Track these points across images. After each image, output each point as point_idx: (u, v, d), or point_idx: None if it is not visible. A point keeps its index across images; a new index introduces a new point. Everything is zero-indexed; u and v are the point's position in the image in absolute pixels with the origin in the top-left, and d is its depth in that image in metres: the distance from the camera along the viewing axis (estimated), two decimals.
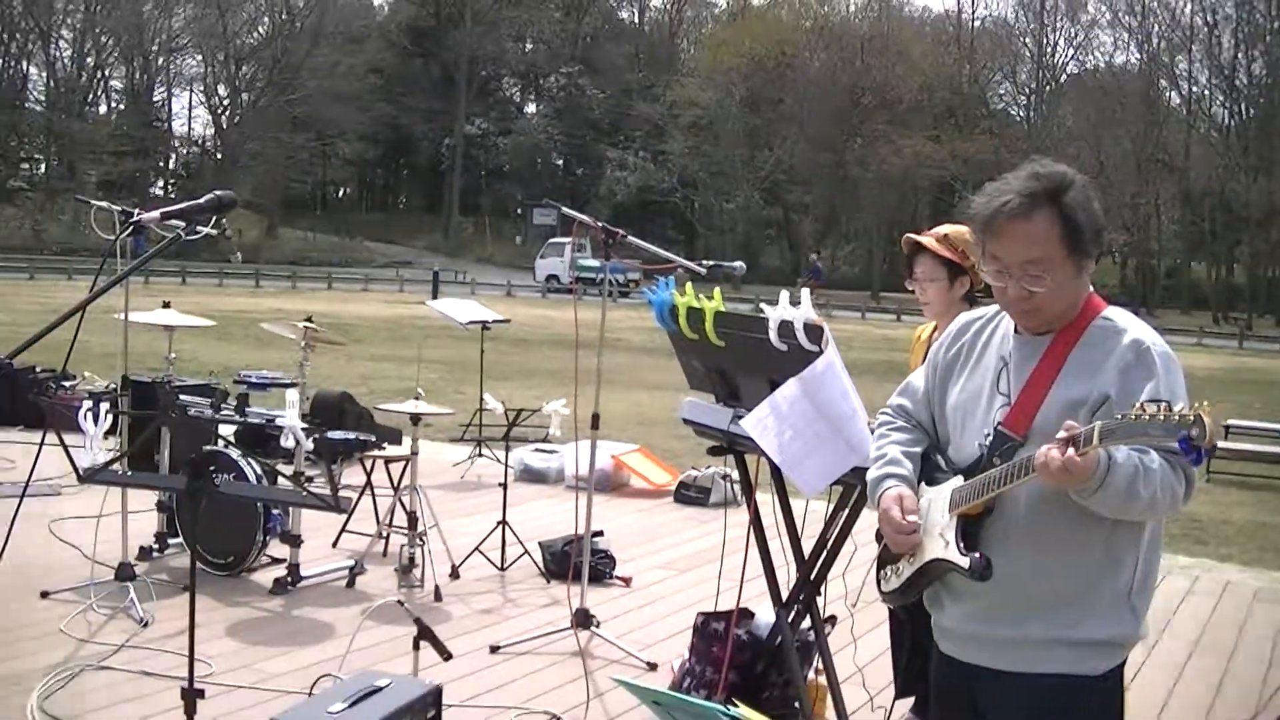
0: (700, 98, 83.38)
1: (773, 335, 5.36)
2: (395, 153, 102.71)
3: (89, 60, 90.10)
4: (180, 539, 9.63)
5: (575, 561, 8.40)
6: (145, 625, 7.85)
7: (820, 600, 6.08)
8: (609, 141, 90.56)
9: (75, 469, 5.68)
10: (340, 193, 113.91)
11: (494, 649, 7.74)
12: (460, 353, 25.96)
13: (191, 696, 4.95)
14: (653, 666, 7.47)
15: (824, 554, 6.01)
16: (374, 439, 11.06)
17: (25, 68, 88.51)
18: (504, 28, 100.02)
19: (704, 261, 7.90)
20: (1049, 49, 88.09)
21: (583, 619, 7.93)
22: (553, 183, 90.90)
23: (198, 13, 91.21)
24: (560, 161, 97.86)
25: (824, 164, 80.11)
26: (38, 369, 15.60)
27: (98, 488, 7.87)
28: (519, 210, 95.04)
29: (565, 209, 8.32)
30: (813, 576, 6.04)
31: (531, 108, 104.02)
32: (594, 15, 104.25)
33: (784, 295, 5.38)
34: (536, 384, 21.82)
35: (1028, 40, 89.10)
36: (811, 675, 6.33)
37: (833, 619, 6.49)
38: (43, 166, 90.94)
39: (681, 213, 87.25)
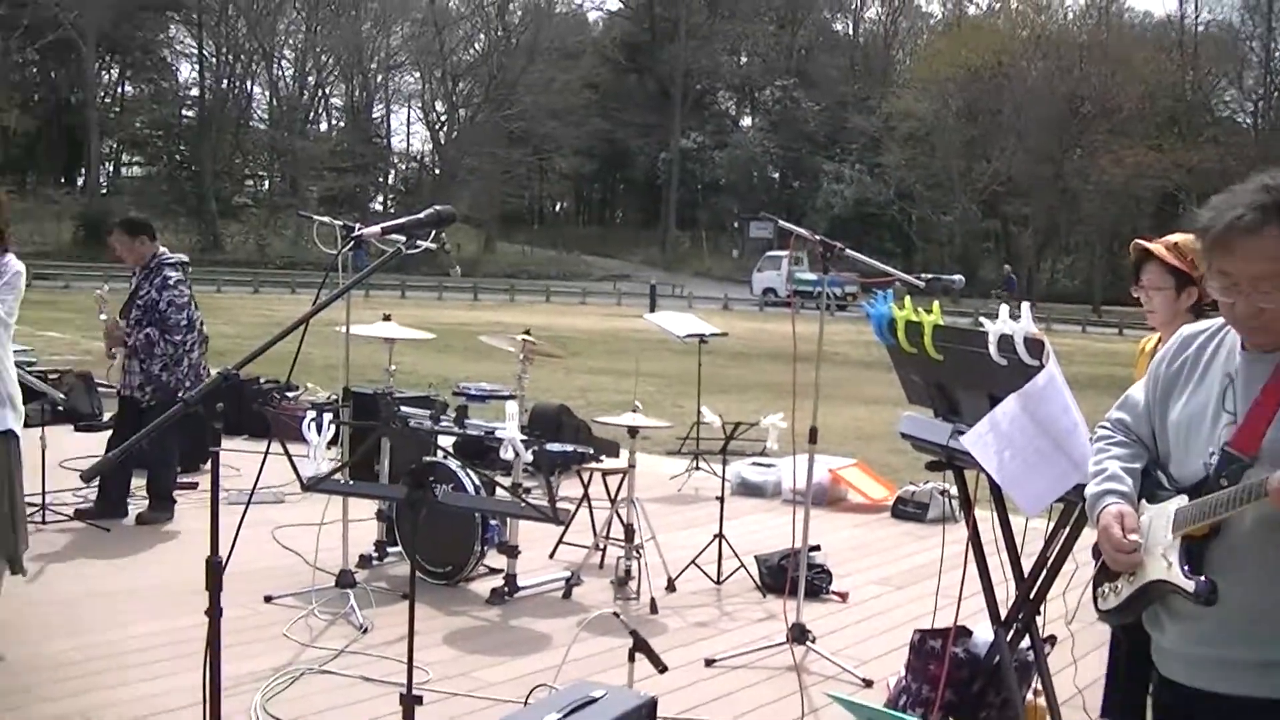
0: (916, 109, 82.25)
1: (992, 349, 5.31)
2: (611, 167, 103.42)
3: (310, 79, 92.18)
4: (399, 548, 9.79)
5: (791, 576, 8.36)
6: (365, 631, 8.01)
7: (1040, 619, 6.00)
8: (825, 154, 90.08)
9: (299, 477, 5.82)
10: (557, 207, 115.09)
11: (709, 662, 7.73)
12: (677, 366, 26.04)
13: (410, 703, 5.03)
14: (868, 683, 7.42)
15: (1044, 572, 5.91)
16: (591, 451, 11.15)
17: (250, 87, 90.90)
18: (718, 41, 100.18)
19: (922, 274, 7.81)
20: (1277, 52, 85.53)
21: (798, 634, 7.91)
22: (769, 196, 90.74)
23: (415, 31, 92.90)
24: (776, 174, 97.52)
25: (1043, 175, 78.41)
26: (262, 380, 15.98)
27: (320, 496, 8.06)
28: (735, 224, 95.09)
29: (782, 222, 8.28)
30: (1032, 595, 5.95)
31: (747, 121, 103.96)
32: (808, 27, 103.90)
33: (1003, 309, 5.32)
34: (754, 397, 21.81)
35: (1254, 44, 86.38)
36: (1030, 696, 6.22)
37: (1052, 639, 6.41)
38: (266, 183, 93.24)
39: (899, 225, 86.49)
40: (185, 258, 11.43)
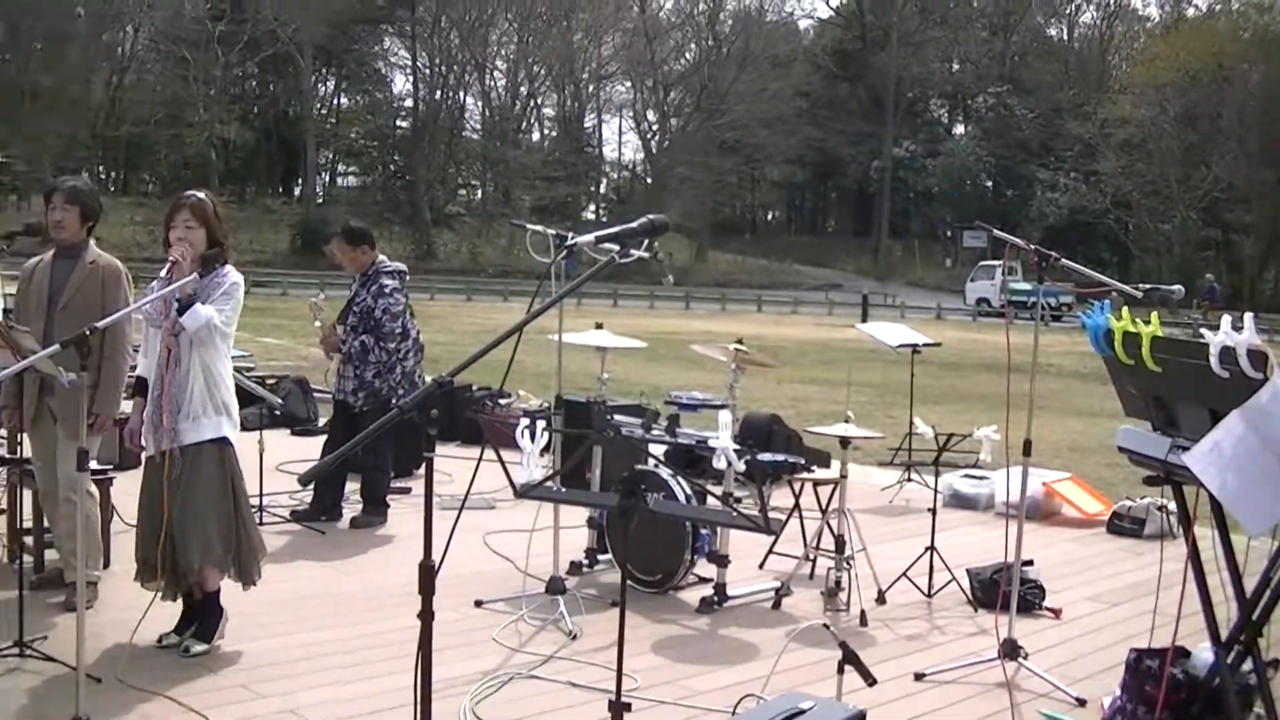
0: (1133, 115, 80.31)
1: (1214, 361, 5.19)
2: (823, 176, 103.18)
3: (522, 89, 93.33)
4: (610, 555, 9.87)
5: (1004, 590, 8.24)
6: (574, 638, 8.05)
7: (1263, 642, 5.84)
8: (1039, 162, 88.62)
9: (512, 484, 5.90)
10: (769, 216, 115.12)
11: (918, 676, 7.64)
12: (890, 376, 25.91)
13: (618, 710, 5.03)
14: (1081, 702, 7.26)
15: (1267, 593, 5.76)
16: (803, 461, 11.13)
17: (463, 98, 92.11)
18: (930, 49, 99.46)
19: (1139, 285, 7.68)
20: None
21: (1010, 649, 7.77)
22: (982, 204, 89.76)
23: (626, 41, 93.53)
24: (989, 183, 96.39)
25: (1266, 181, 76.27)
26: (475, 388, 16.22)
27: (531, 503, 8.11)
28: (948, 233, 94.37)
29: (996, 231, 8.17)
30: (1255, 616, 5.80)
31: (959, 129, 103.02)
32: (1021, 33, 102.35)
33: (1225, 319, 5.21)
34: (967, 409, 21.59)
35: None
36: None
37: (1275, 662, 6.24)
38: (479, 192, 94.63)
39: (1115, 234, 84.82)
40: (403, 266, 11.62)
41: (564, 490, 8.39)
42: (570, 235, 7.53)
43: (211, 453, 7.35)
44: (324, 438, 12.14)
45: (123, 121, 77.17)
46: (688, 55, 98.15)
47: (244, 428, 7.65)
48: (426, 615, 4.03)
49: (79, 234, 8.09)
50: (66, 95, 71.96)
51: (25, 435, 8.17)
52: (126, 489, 9.01)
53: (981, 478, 13.49)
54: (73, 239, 8.09)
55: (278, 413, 14.80)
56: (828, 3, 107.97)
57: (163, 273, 7.09)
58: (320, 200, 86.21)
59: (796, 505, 10.67)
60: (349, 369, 11.26)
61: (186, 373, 7.25)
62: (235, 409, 7.52)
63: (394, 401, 10.93)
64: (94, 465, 8.22)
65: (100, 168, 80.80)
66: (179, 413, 7.23)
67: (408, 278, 11.59)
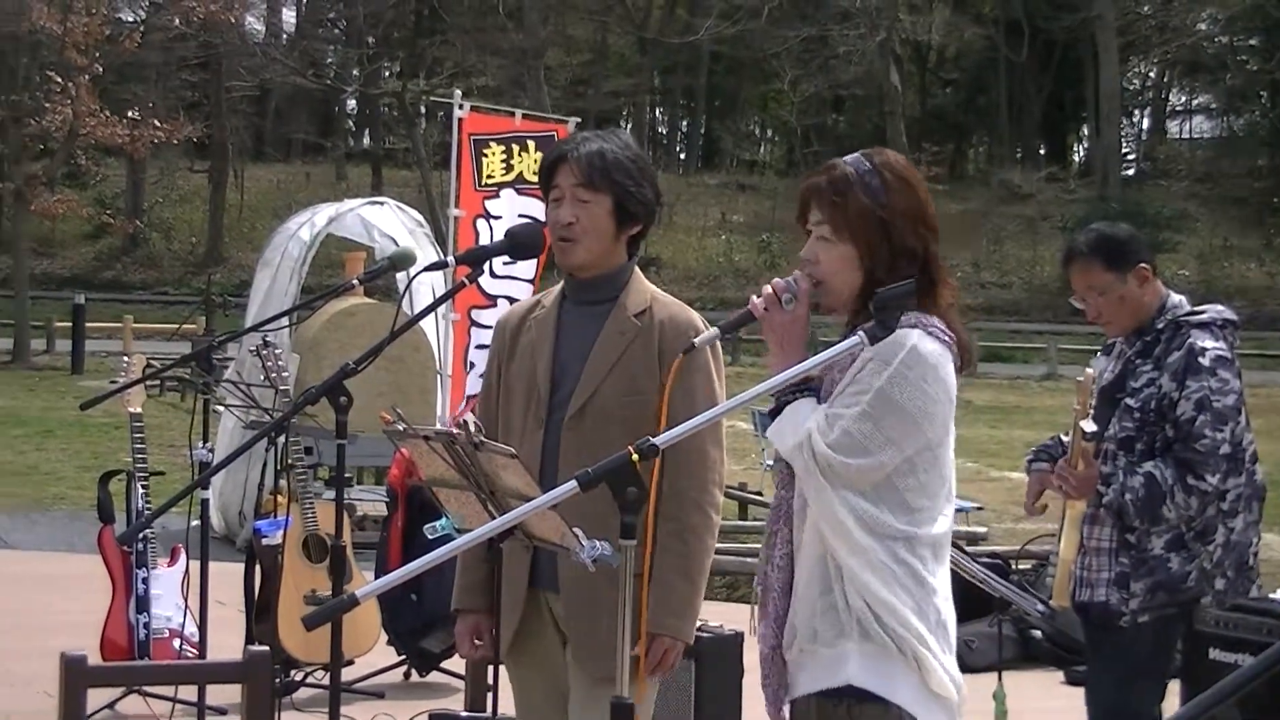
0: None
1: None
2: None
3: None
4: None
5: None
6: None
7: None
8: None
9: None
10: None
11: None
12: None
13: None
14: None
15: None
16: None
17: None
18: None
19: None
20: None
21: None
22: None
23: None
24: None
25: None
26: None
27: None
28: None
29: None
30: None
31: None
32: None
33: None
34: None
35: None
36: None
37: None
38: None
39: None
40: (1230, 313, 8.62)
41: None
42: None
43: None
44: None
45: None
46: None
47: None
48: None
49: (611, 253, 6.51)
50: None
51: (503, 667, 6.93)
52: None
53: None
54: (595, 264, 6.53)
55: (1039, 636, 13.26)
56: None
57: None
58: (1130, 170, 77.62)
59: None
60: (1106, 531, 8.33)
61: (797, 548, 5.64)
62: (938, 633, 5.46)
63: (1206, 606, 8.47)
64: None
65: (657, 108, 72.61)
66: (790, 630, 5.66)
67: (1238, 337, 8.59)
